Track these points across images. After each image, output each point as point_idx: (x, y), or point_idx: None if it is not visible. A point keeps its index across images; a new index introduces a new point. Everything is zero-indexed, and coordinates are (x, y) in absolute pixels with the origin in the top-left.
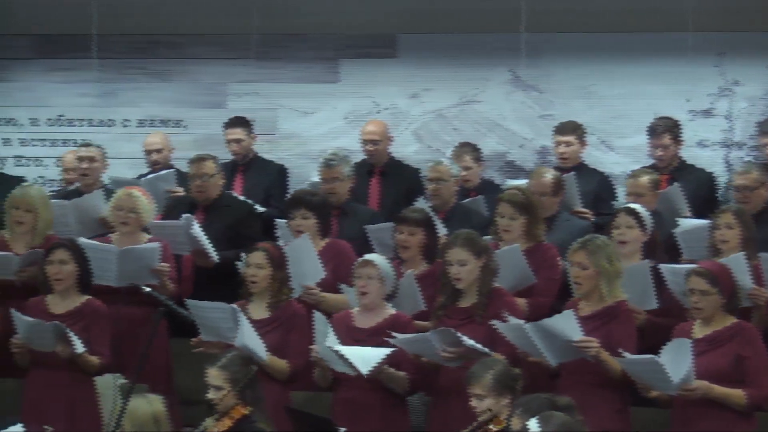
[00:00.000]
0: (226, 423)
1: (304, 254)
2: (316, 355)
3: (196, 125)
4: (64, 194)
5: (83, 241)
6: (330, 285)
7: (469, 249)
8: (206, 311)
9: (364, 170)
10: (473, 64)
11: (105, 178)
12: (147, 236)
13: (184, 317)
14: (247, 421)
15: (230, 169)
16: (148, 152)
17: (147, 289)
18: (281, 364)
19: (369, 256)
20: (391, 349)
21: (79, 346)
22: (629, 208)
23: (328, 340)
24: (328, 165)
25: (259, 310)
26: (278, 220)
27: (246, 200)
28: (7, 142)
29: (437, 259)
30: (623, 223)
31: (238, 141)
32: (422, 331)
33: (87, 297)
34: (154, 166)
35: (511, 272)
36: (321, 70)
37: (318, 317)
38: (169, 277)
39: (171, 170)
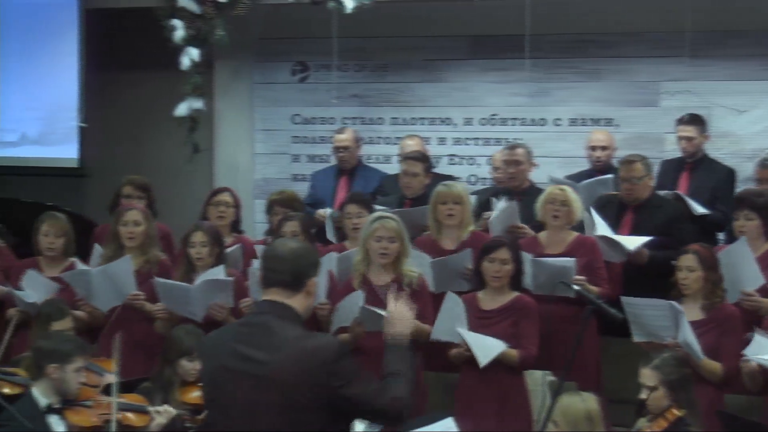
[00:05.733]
0: (660, 424)
1: (743, 259)
2: (749, 365)
3: (628, 124)
4: (492, 192)
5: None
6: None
7: None
8: (642, 308)
9: None
10: None
11: (545, 176)
12: (575, 234)
13: (614, 316)
14: (681, 424)
15: (677, 167)
16: (593, 148)
17: (577, 287)
18: (715, 366)
19: None
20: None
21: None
22: None
23: None
24: (764, 165)
25: (693, 311)
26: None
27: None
28: (441, 141)
29: None
30: None
31: (688, 139)
32: None
33: (517, 293)
34: (596, 164)
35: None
36: (756, 67)
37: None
38: (599, 276)
39: (610, 176)
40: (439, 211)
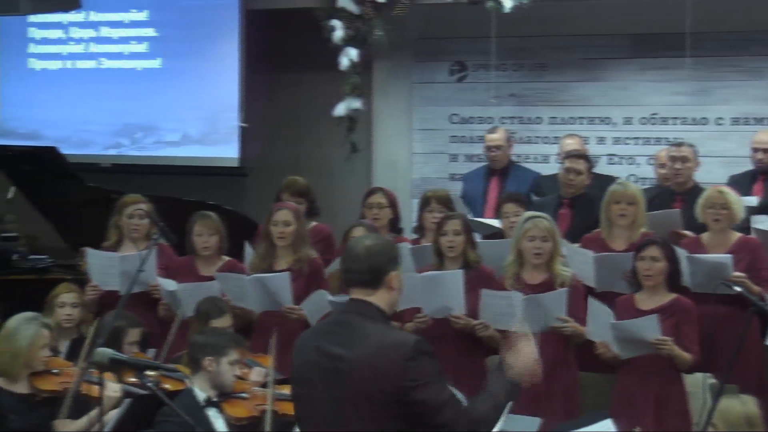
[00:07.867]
0: None
1: None
2: None
3: None
4: (656, 192)
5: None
6: None
7: None
8: None
9: None
10: None
11: (707, 176)
12: (738, 234)
13: None
14: None
15: None
16: (755, 150)
17: (738, 288)
18: None
19: None
20: None
21: None
22: None
23: None
24: None
25: None
26: None
27: None
28: (601, 140)
29: None
30: None
31: None
32: None
33: (675, 294)
34: (758, 165)
35: None
36: None
37: None
38: (761, 277)
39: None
40: (611, 211)
